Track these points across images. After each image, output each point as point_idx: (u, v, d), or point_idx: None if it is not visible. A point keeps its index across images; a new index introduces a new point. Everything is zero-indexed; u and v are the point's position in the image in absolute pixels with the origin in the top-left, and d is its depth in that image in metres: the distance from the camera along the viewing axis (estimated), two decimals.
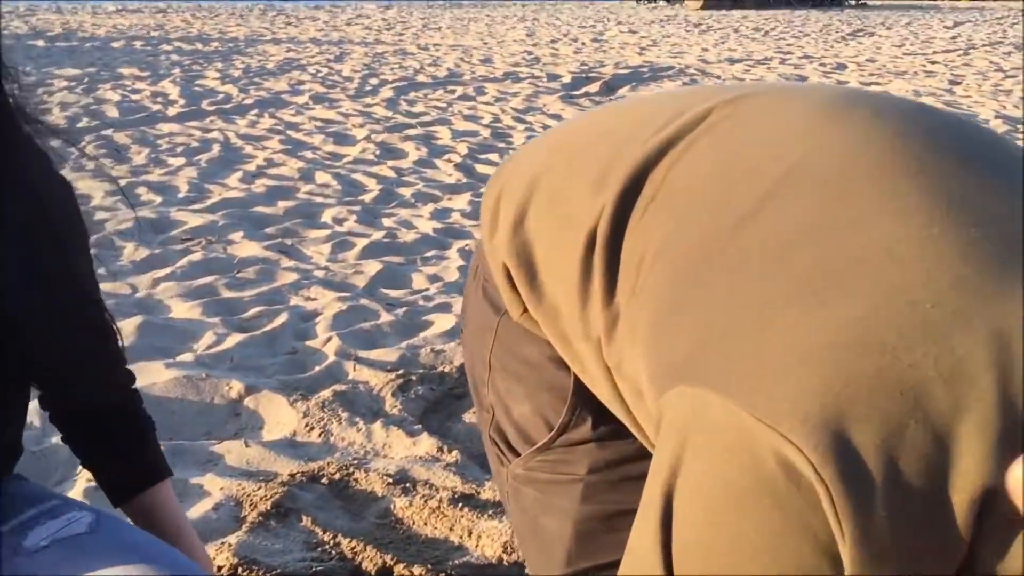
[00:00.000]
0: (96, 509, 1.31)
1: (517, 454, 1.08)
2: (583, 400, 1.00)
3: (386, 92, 8.57)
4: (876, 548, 0.65)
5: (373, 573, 1.88)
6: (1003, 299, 0.66)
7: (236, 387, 2.64)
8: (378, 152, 6.01)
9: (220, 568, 1.85)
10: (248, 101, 7.93)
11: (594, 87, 9.00)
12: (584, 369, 0.96)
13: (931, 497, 0.64)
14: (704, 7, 24.26)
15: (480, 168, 5.66)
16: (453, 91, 8.75)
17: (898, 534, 0.64)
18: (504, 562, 1.91)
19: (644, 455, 0.92)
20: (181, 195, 4.83)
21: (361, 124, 6.94)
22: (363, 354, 2.92)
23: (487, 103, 8.09)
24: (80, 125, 6.54)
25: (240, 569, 1.83)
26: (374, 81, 9.31)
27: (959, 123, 0.86)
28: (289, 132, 6.59)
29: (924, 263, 0.68)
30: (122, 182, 4.97)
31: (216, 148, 5.96)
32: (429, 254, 3.99)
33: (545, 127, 7.05)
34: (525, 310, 1.02)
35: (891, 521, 0.64)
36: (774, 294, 0.71)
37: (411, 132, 6.70)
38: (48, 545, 1.22)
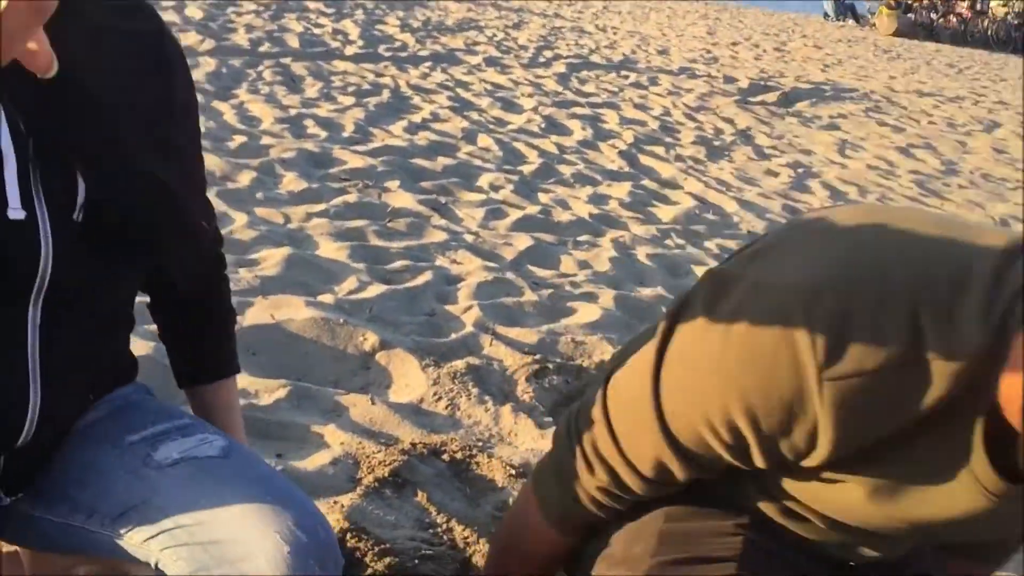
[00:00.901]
0: (228, 437, 1.24)
1: None
2: None
3: (559, 66, 8.43)
4: (838, 390, 0.86)
5: (481, 566, 1.77)
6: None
7: (371, 339, 2.57)
8: (543, 125, 5.89)
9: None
10: (423, 53, 7.93)
11: (772, 97, 8.63)
12: None
13: (905, 357, 0.84)
14: (896, 33, 23.15)
15: (643, 159, 5.47)
16: (626, 77, 8.54)
17: (866, 386, 0.85)
18: None
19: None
20: (346, 134, 4.82)
21: (530, 94, 6.83)
22: (501, 330, 2.80)
23: (659, 94, 7.86)
24: (261, 49, 6.65)
25: (348, 535, 1.74)
26: (548, 54, 9.18)
27: None
28: (458, 90, 6.53)
29: (920, 228, 0.92)
30: (292, 112, 4.99)
31: (386, 93, 5.95)
32: (582, 238, 3.84)
33: (717, 129, 6.79)
34: None
35: (857, 363, 0.85)
36: (798, 243, 0.97)
37: (578, 110, 6.55)
38: (179, 461, 1.15)
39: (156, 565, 1.09)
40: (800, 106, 8.55)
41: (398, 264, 3.20)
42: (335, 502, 1.86)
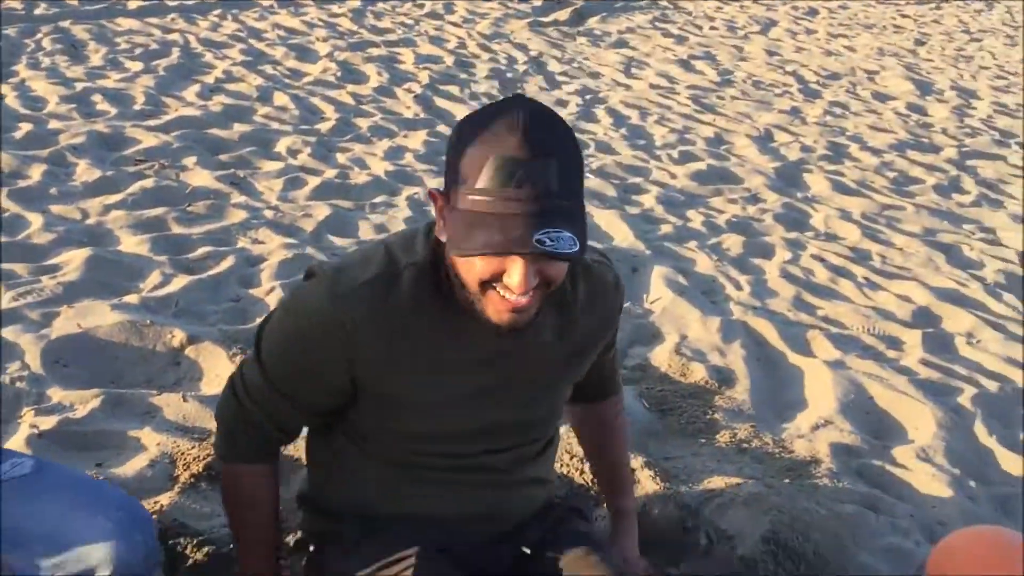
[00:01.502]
0: (35, 457, 1.53)
1: None
2: None
3: (353, 1, 8.45)
4: (347, 300, 1.45)
5: (292, 545, 2.07)
6: None
7: (179, 336, 2.78)
8: (339, 73, 6.01)
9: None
10: None
11: (564, 14, 8.94)
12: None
13: (386, 272, 1.46)
14: None
15: (439, 102, 5.71)
16: (422, 5, 8.64)
17: (364, 295, 1.45)
18: None
19: None
20: (137, 107, 4.83)
21: (324, 38, 6.88)
22: None
23: (455, 23, 8.04)
24: (38, 12, 6.41)
25: (169, 533, 2.00)
26: None
27: None
28: (251, 40, 6.53)
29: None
30: (78, 87, 4.94)
31: (175, 53, 5.90)
32: (378, 200, 4.09)
33: (510, 59, 7.06)
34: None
35: (352, 282, 1.45)
36: None
37: (374, 51, 6.68)
38: None
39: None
40: (592, 22, 8.91)
41: (200, 252, 3.37)
42: (155, 502, 2.11)
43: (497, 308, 1.36)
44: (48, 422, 2.32)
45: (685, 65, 7.61)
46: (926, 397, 3.09)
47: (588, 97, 6.32)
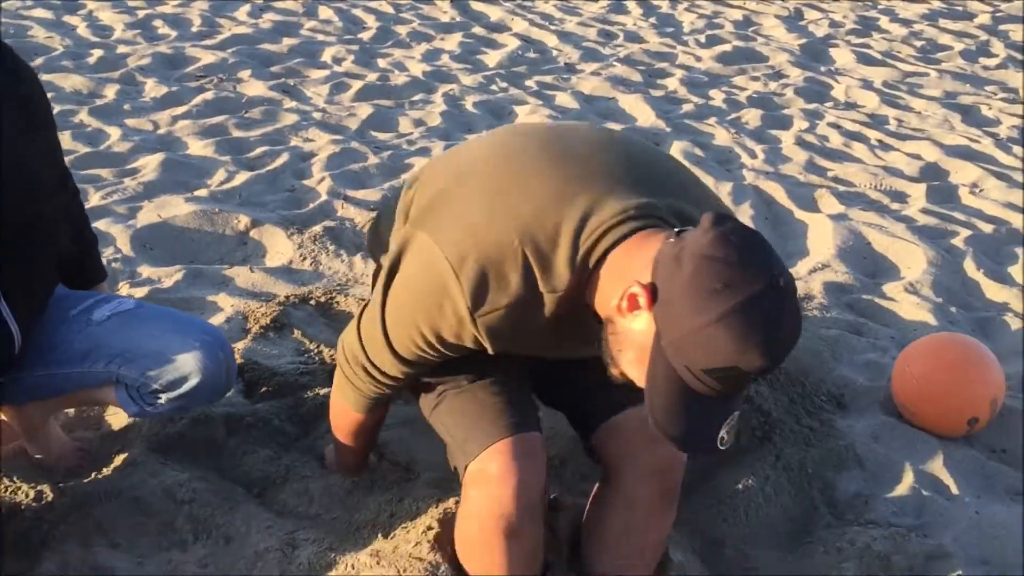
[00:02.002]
0: (134, 298, 1.97)
1: None
2: None
3: None
4: (486, 321, 1.46)
5: None
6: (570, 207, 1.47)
7: (244, 220, 3.19)
8: None
9: None
10: None
11: None
12: None
13: (526, 294, 1.45)
14: None
15: (474, 5, 5.96)
16: None
17: (504, 316, 1.46)
18: None
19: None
20: (194, 29, 5.22)
21: None
22: (351, 193, 3.45)
23: None
24: None
25: (247, 366, 2.43)
26: None
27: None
28: None
29: (538, 192, 1.48)
30: (140, 14, 5.34)
31: None
32: (416, 98, 4.43)
33: None
34: None
35: (487, 289, 1.45)
36: (451, 201, 1.56)
37: None
38: (110, 317, 1.87)
39: (116, 379, 1.81)
40: None
41: (258, 151, 3.77)
42: (234, 348, 2.54)
43: (622, 377, 1.45)
44: (141, 292, 2.76)
45: None
46: (921, 240, 3.36)
47: None
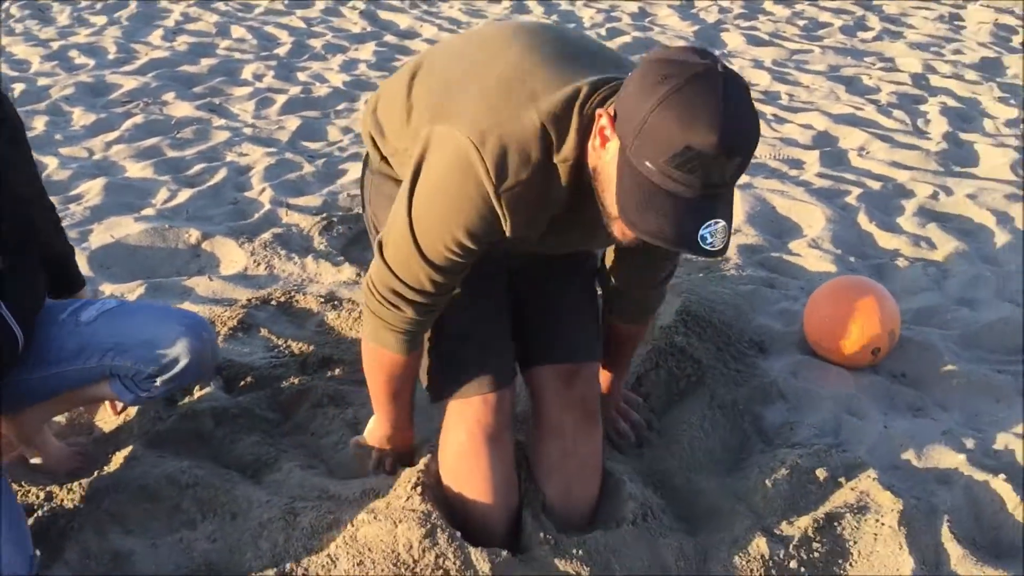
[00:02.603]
0: (115, 298, 2.16)
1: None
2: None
3: None
4: (509, 196, 1.58)
5: (315, 364, 2.69)
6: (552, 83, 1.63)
7: (194, 234, 3.36)
8: (286, 2, 6.45)
9: None
10: None
11: None
12: (395, 152, 1.92)
13: (543, 165, 1.58)
14: None
15: (383, 15, 6.17)
16: None
17: (526, 188, 1.58)
18: None
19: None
20: (111, 57, 5.31)
21: None
22: (292, 201, 3.64)
23: None
24: None
25: (223, 365, 2.62)
26: None
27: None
28: None
29: (522, 72, 1.65)
30: (54, 46, 5.40)
31: (133, 4, 6.33)
32: (340, 107, 4.63)
33: None
34: (381, 159, 1.99)
35: (510, 163, 1.57)
36: (468, 90, 1.69)
37: None
38: (97, 317, 2.07)
39: (110, 372, 2.01)
40: None
41: (196, 168, 3.93)
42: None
43: (624, 234, 1.54)
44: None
45: None
46: (819, 201, 3.71)
47: None
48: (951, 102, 4.76)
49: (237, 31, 5.79)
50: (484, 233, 1.64)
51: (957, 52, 5.52)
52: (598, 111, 1.51)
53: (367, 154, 2.09)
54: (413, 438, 2.20)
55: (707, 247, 1.41)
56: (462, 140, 1.59)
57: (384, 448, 2.19)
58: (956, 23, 6.09)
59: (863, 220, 3.61)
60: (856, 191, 3.82)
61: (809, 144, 4.31)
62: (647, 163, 1.39)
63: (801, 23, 6.07)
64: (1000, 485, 2.24)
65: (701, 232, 1.39)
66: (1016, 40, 5.67)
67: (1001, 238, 3.48)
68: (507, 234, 1.64)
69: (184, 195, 3.68)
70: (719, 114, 1.34)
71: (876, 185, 3.89)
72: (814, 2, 6.50)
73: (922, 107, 4.72)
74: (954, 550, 2.07)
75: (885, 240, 3.49)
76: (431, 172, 1.65)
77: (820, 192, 3.81)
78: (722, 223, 1.41)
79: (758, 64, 5.33)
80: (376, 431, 2.17)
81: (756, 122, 1.43)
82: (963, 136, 4.37)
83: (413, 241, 1.67)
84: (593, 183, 1.57)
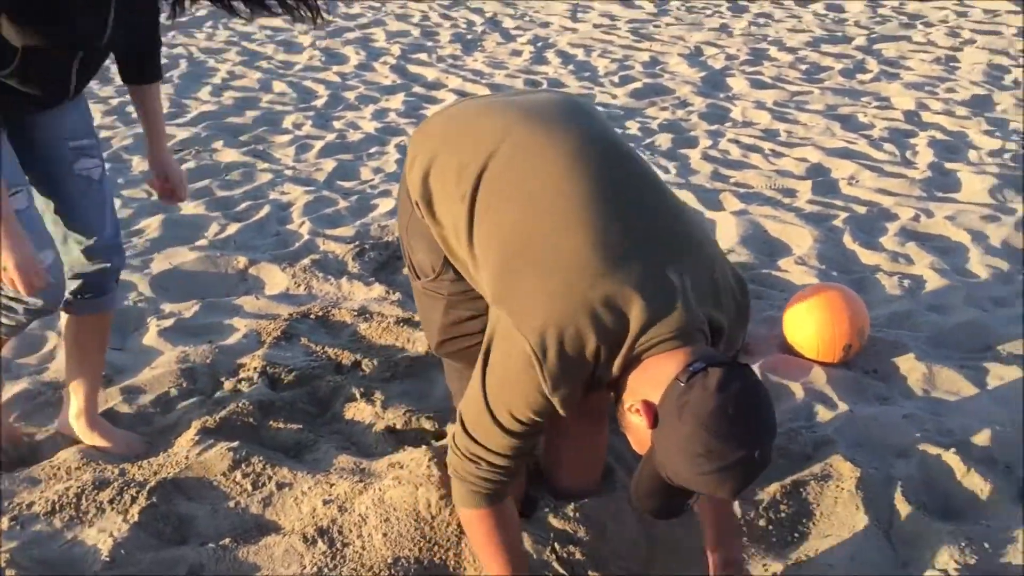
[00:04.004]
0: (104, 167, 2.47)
1: (419, 278, 2.25)
2: (447, 264, 2.17)
3: None
4: (560, 397, 1.79)
5: (349, 366, 3.07)
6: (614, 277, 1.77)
7: (242, 261, 3.77)
8: (323, 59, 6.96)
9: (254, 368, 3.01)
10: (200, 12, 8.71)
11: None
12: (455, 257, 2.09)
13: (592, 372, 1.79)
14: None
15: (411, 68, 6.65)
16: None
17: (572, 394, 1.80)
18: (431, 355, 3.10)
19: (472, 295, 2.11)
20: (165, 111, 5.77)
21: (306, 31, 7.82)
22: (329, 231, 4.04)
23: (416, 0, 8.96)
24: None
25: (268, 367, 3.00)
26: None
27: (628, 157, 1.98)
28: (244, 43, 7.48)
29: (590, 262, 1.76)
30: (114, 103, 5.91)
31: (183, 64, 6.87)
32: (372, 151, 5.07)
33: (468, 22, 7.98)
34: (423, 219, 2.17)
35: (563, 373, 1.77)
36: (527, 277, 1.83)
37: (350, 35, 7.62)
38: (80, 174, 2.38)
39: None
40: None
41: (243, 206, 4.36)
42: (254, 355, 3.10)
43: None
44: (168, 323, 3.32)
45: (626, 2, 8.51)
46: (807, 223, 4.05)
47: (539, 44, 7.25)
48: (939, 135, 5.10)
49: (278, 86, 6.28)
50: (547, 413, 1.85)
51: (950, 91, 5.86)
52: (640, 407, 1.71)
53: (408, 195, 2.16)
54: None
55: (684, 511, 1.87)
56: (524, 347, 1.76)
57: None
58: (952, 64, 6.45)
59: (847, 240, 3.94)
60: (843, 215, 4.15)
61: (803, 175, 4.66)
62: (669, 478, 1.68)
63: (803, 67, 6.45)
64: (951, 458, 2.54)
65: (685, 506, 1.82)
66: (1008, 79, 6.00)
67: (975, 254, 3.79)
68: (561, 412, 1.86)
69: (232, 228, 4.11)
70: (741, 488, 1.66)
71: (862, 209, 4.22)
72: (816, 48, 6.89)
73: (911, 140, 5.05)
74: (905, 511, 2.37)
75: (867, 257, 3.81)
76: (498, 366, 1.85)
77: (810, 216, 4.15)
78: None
79: (760, 105, 5.70)
80: None
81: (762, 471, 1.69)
82: (948, 165, 4.69)
83: (491, 417, 1.86)
84: (617, 403, 1.84)
